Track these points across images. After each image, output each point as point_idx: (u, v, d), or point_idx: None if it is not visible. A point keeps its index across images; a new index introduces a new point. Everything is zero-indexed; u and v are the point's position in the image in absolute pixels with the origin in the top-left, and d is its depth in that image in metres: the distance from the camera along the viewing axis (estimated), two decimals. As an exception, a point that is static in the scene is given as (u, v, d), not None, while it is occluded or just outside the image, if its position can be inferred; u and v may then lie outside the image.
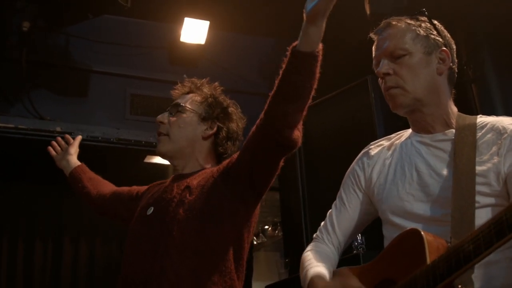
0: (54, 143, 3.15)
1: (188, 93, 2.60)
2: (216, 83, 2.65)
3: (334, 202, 2.09)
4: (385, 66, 1.88)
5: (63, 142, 3.13)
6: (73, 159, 3.05)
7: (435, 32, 1.94)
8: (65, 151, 3.08)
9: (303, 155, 4.47)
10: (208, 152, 2.50)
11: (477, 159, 1.72)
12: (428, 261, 1.45)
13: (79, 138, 3.15)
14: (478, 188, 1.68)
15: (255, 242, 6.27)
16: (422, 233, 1.52)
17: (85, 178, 2.94)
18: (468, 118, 1.87)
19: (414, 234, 1.56)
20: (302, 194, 4.36)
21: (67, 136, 3.16)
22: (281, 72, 1.91)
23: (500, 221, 1.20)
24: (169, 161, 2.54)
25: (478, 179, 1.69)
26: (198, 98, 2.53)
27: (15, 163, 5.53)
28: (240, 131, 2.54)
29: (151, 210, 2.32)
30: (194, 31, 5.63)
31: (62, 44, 5.40)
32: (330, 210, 2.09)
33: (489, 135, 1.77)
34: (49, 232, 6.13)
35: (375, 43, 1.98)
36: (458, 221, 1.61)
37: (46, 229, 6.12)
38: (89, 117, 5.30)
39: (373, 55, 1.98)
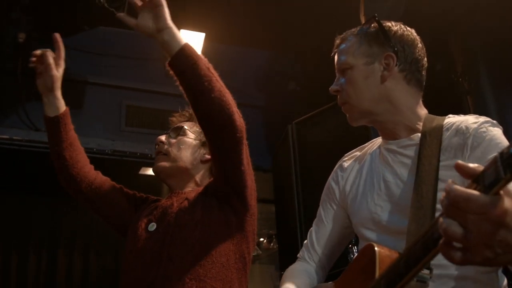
0: (36, 53, 2.66)
1: (187, 120, 2.62)
2: None
3: (315, 220, 2.07)
4: (334, 84, 1.88)
5: (49, 53, 2.66)
6: (58, 97, 2.61)
7: (381, 38, 1.85)
8: (51, 77, 2.64)
9: (299, 168, 4.47)
10: (205, 175, 2.53)
11: (441, 163, 1.64)
12: (377, 275, 1.43)
13: (62, 66, 2.67)
14: (441, 194, 1.53)
15: (251, 254, 6.26)
16: (376, 247, 1.49)
17: (66, 141, 2.48)
18: (436, 120, 1.78)
19: (369, 249, 1.52)
20: (297, 206, 4.35)
21: (56, 36, 2.67)
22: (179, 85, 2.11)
23: (426, 236, 1.13)
24: (165, 180, 2.51)
25: (441, 185, 1.60)
26: (197, 128, 2.56)
27: (10, 174, 5.51)
28: None
29: (153, 226, 2.33)
30: (189, 42, 5.61)
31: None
32: (311, 229, 2.06)
33: (455, 138, 1.69)
34: (43, 243, 6.11)
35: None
36: (413, 233, 1.54)
37: (40, 241, 6.09)
38: (84, 128, 5.29)
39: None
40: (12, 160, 5.25)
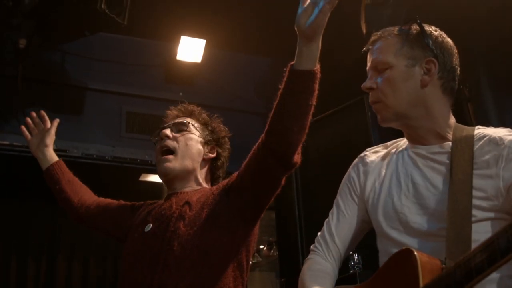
0: (28, 120, 2.92)
1: (186, 116, 2.59)
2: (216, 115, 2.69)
3: (331, 210, 2.01)
4: (368, 80, 1.85)
5: (38, 121, 2.92)
6: (49, 152, 2.87)
7: (424, 42, 1.85)
8: (41, 140, 2.88)
9: (300, 174, 4.46)
10: (206, 173, 2.52)
11: (474, 172, 1.66)
12: (421, 285, 1.40)
13: (56, 122, 2.94)
14: (475, 202, 1.61)
15: (250, 262, 6.21)
16: (416, 253, 1.46)
17: (63, 180, 2.78)
18: (466, 130, 1.79)
19: (408, 255, 1.50)
20: (298, 213, 4.34)
21: (43, 113, 2.93)
22: (280, 91, 1.90)
23: (492, 247, 1.14)
24: (170, 182, 2.48)
25: (476, 193, 1.63)
26: (199, 124, 2.55)
27: (9, 180, 5.49)
28: (227, 162, 2.59)
29: (149, 227, 2.31)
30: (190, 49, 5.64)
31: (58, 61, 5.39)
32: (327, 219, 2.00)
33: (487, 148, 1.70)
34: (43, 250, 6.09)
35: (368, 56, 1.94)
36: (453, 239, 1.55)
37: (39, 247, 6.08)
38: (84, 134, 5.29)
39: (367, 67, 1.93)
40: (12, 166, 5.24)
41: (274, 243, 6.00)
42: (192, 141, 2.48)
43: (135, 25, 4.93)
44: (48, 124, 2.92)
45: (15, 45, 4.84)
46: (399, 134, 1.96)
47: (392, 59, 1.82)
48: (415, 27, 1.88)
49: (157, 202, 2.51)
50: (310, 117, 1.92)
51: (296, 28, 1.78)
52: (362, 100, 3.97)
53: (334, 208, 2.00)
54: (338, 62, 4.62)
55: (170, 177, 2.45)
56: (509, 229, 1.09)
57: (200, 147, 2.48)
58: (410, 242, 1.66)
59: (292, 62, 1.85)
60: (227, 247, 2.21)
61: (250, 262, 2.35)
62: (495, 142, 1.70)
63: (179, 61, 5.71)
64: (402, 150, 1.90)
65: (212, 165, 2.53)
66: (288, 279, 4.49)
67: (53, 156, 2.88)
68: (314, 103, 1.89)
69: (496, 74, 4.38)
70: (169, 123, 2.55)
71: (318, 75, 1.83)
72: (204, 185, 2.48)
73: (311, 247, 2.01)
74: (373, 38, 1.92)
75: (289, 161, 2.00)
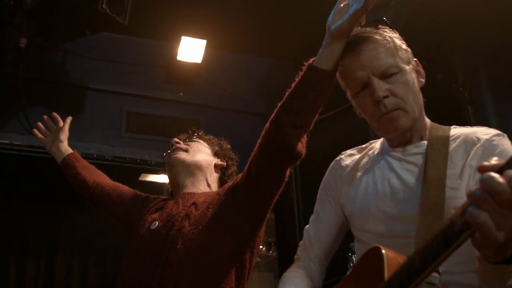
0: (39, 124, 3.06)
1: (197, 138, 2.69)
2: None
3: (311, 217, 2.02)
4: (382, 88, 1.69)
5: (50, 123, 3.05)
6: (64, 146, 2.97)
7: (404, 43, 1.83)
8: (55, 137, 2.98)
9: (299, 175, 4.46)
10: (216, 178, 2.59)
11: (448, 171, 1.64)
12: (386, 278, 1.39)
13: (69, 119, 3.06)
14: (448, 201, 1.59)
15: (253, 264, 6.26)
16: (383, 250, 1.46)
17: (79, 165, 2.88)
18: (441, 129, 1.78)
19: (375, 251, 1.49)
20: (297, 214, 4.34)
21: (55, 114, 3.06)
22: (294, 84, 1.90)
23: (447, 231, 1.13)
24: (178, 174, 2.52)
25: (449, 193, 1.60)
26: (207, 143, 2.66)
27: (9, 179, 5.50)
28: (237, 175, 2.62)
29: (155, 224, 2.34)
30: (191, 49, 5.64)
31: (59, 61, 5.40)
32: (307, 226, 2.02)
33: (462, 147, 1.69)
34: (42, 250, 6.08)
35: (352, 63, 1.77)
36: (422, 236, 1.53)
37: (39, 248, 6.07)
38: (84, 134, 5.28)
39: (353, 75, 1.77)
40: (12, 166, 5.24)
41: (273, 244, 6.01)
42: (202, 147, 2.59)
43: (136, 25, 4.94)
44: (61, 123, 3.03)
45: (16, 45, 4.85)
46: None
47: (399, 62, 1.75)
48: (389, 29, 1.84)
49: (168, 200, 2.52)
50: (315, 116, 1.93)
51: (326, 26, 1.77)
52: (362, 102, 3.97)
53: (313, 214, 2.01)
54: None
55: (178, 168, 2.50)
56: (463, 213, 1.09)
57: (210, 155, 2.59)
58: (384, 244, 1.61)
59: (312, 60, 1.85)
60: (231, 247, 2.23)
61: (253, 264, 2.36)
62: (472, 142, 1.68)
63: (179, 61, 5.71)
64: (378, 153, 1.89)
65: (222, 173, 2.61)
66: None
67: (68, 149, 2.95)
68: (322, 104, 1.90)
69: (497, 77, 4.38)
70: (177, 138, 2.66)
71: (333, 78, 1.83)
72: (213, 188, 2.53)
73: (295, 255, 2.04)
74: (359, 39, 1.78)
75: (290, 151, 2.00)
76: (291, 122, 1.91)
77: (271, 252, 6.22)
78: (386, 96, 1.70)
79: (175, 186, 2.55)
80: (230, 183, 2.40)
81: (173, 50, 5.71)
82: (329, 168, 2.04)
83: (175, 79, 5.84)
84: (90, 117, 5.44)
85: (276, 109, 1.96)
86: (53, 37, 4.86)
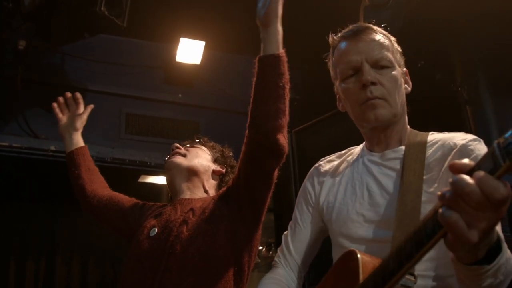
0: (60, 99, 3.01)
1: (199, 144, 2.69)
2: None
3: (290, 222, 2.03)
4: (372, 74, 1.74)
5: (72, 102, 3.02)
6: (77, 136, 2.98)
7: (399, 50, 1.87)
8: (72, 122, 2.98)
9: (298, 176, 4.46)
10: (214, 185, 2.59)
11: (425, 177, 1.65)
12: (361, 280, 1.40)
13: (90, 107, 3.06)
14: (425, 206, 1.59)
15: (251, 267, 6.24)
16: (358, 253, 1.47)
17: (83, 166, 2.85)
18: (419, 135, 1.80)
19: (351, 255, 1.50)
20: (296, 214, 4.34)
21: (78, 95, 3.02)
22: (253, 80, 1.99)
23: (419, 232, 1.15)
24: (175, 178, 2.53)
25: (425, 197, 1.61)
26: (208, 148, 2.66)
27: (9, 181, 5.50)
28: None
29: (154, 231, 2.35)
30: (189, 51, 5.65)
31: (57, 63, 5.40)
32: (285, 232, 2.03)
33: (439, 153, 1.70)
34: (42, 251, 6.09)
35: (348, 46, 1.83)
36: (399, 239, 1.49)
37: (38, 249, 6.08)
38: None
39: (346, 58, 1.81)
40: (12, 168, 5.25)
41: (273, 244, 6.01)
42: (202, 153, 2.59)
43: (135, 27, 4.94)
44: (81, 108, 3.02)
45: (14, 47, 4.86)
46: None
47: (393, 59, 1.80)
48: (387, 34, 1.89)
49: (165, 206, 2.53)
50: (286, 100, 1.97)
51: (257, 21, 1.94)
52: (361, 102, 3.97)
53: (292, 221, 2.02)
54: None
55: (174, 172, 2.51)
56: (435, 214, 1.10)
57: (210, 161, 2.59)
58: (362, 249, 1.62)
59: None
60: (228, 251, 2.24)
61: (252, 267, 2.37)
62: (449, 147, 1.70)
63: (178, 62, 5.72)
64: (357, 158, 1.90)
65: (221, 180, 2.60)
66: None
67: (79, 141, 2.96)
68: (287, 85, 1.95)
69: (495, 76, 4.39)
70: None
71: (284, 58, 1.93)
72: (210, 195, 2.53)
73: (273, 261, 2.03)
74: (359, 27, 1.86)
75: (273, 146, 2.01)
76: (265, 113, 1.95)
77: (271, 252, 6.22)
78: (374, 83, 1.74)
79: (173, 190, 2.56)
80: (224, 188, 2.41)
81: (171, 51, 5.72)
82: (308, 175, 2.05)
83: (174, 81, 5.85)
84: (89, 118, 5.39)
85: (248, 113, 2.02)
86: (51, 39, 4.86)
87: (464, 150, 1.65)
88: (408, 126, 1.86)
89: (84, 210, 2.80)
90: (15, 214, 6.04)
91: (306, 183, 2.03)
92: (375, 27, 1.87)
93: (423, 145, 1.74)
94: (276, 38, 1.91)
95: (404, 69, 1.87)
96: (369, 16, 4.04)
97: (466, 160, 1.08)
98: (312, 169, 2.04)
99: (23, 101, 5.05)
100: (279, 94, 1.94)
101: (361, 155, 1.90)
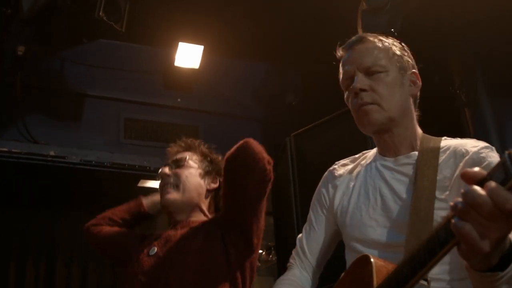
0: None
1: (185, 150, 2.66)
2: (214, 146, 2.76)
3: (304, 225, 2.06)
4: (361, 81, 1.80)
5: None
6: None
7: (406, 53, 1.90)
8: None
9: (297, 180, 4.47)
10: (210, 203, 2.59)
11: (438, 183, 1.67)
12: (375, 285, 1.42)
13: None
14: (438, 212, 1.62)
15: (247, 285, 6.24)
16: (372, 258, 1.49)
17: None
18: (432, 141, 1.82)
19: (364, 260, 1.52)
20: (296, 218, 4.34)
21: None
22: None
23: (432, 241, 1.17)
24: (174, 214, 2.52)
25: (438, 204, 1.64)
26: (198, 156, 2.62)
27: (9, 186, 5.50)
28: None
29: (154, 250, 2.38)
30: (188, 55, 5.66)
31: (56, 68, 5.41)
32: (300, 235, 2.06)
33: (452, 159, 1.71)
34: (42, 256, 6.08)
35: (345, 57, 1.90)
36: (412, 245, 1.54)
37: (38, 253, 6.07)
38: (83, 141, 5.29)
39: (343, 70, 1.89)
40: (11, 173, 5.25)
41: (273, 248, 6.01)
42: (191, 174, 2.55)
43: (133, 32, 4.95)
44: None
45: (14, 53, 4.86)
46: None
47: (387, 63, 1.82)
48: (394, 39, 1.92)
49: (165, 231, 2.53)
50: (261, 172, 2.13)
51: None
52: (359, 106, 3.97)
53: (306, 223, 2.05)
54: (336, 68, 4.63)
55: (172, 209, 2.51)
56: (447, 223, 1.11)
57: (200, 179, 2.55)
58: (375, 254, 1.66)
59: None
60: (224, 270, 2.29)
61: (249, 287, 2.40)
62: (461, 154, 1.71)
63: (177, 67, 5.73)
64: (370, 163, 1.92)
65: (215, 195, 2.61)
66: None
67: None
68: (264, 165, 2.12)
69: (493, 78, 4.40)
70: (168, 161, 2.63)
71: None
72: (209, 215, 2.55)
73: (288, 263, 2.07)
74: (355, 38, 1.92)
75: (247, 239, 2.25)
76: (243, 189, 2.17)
77: (271, 256, 6.22)
78: (364, 90, 1.79)
79: (172, 217, 2.55)
80: (218, 214, 2.47)
81: (170, 56, 5.72)
82: (322, 178, 2.07)
83: (173, 85, 5.85)
84: (89, 124, 5.45)
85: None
86: (50, 44, 4.88)
87: (476, 158, 1.67)
88: (421, 131, 1.88)
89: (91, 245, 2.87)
90: (15, 219, 6.03)
91: (321, 186, 2.05)
92: (372, 35, 1.90)
93: (436, 151, 1.76)
94: None
95: (413, 71, 1.88)
96: (367, 20, 4.05)
97: (477, 169, 1.09)
98: (326, 172, 2.07)
99: (22, 107, 5.06)
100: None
101: (374, 159, 1.92)
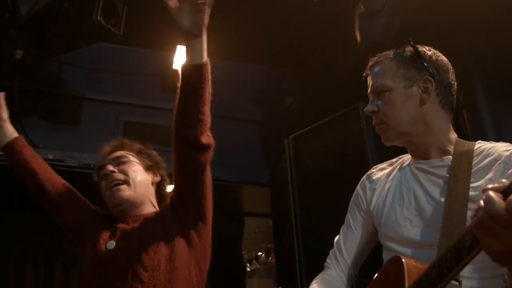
0: None
1: (119, 150, 2.64)
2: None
3: (342, 227, 2.12)
4: (370, 105, 1.94)
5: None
6: (9, 128, 2.89)
7: (419, 62, 1.93)
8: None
9: (296, 182, 4.48)
10: (154, 193, 2.60)
11: (471, 185, 1.72)
12: (406, 286, 1.47)
13: (2, 94, 2.95)
14: (470, 213, 1.63)
15: (248, 269, 6.23)
16: (403, 259, 1.55)
17: (27, 152, 2.77)
18: (466, 145, 1.87)
19: (396, 261, 1.58)
20: (294, 220, 4.35)
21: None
22: (180, 86, 2.31)
23: (459, 245, 1.21)
24: (125, 209, 2.48)
25: (471, 205, 1.67)
26: (133, 153, 2.61)
27: (7, 190, 5.50)
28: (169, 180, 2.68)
29: (112, 244, 2.35)
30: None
31: (55, 72, 5.42)
32: (337, 236, 2.12)
33: (484, 162, 1.76)
34: (41, 259, 6.09)
35: (368, 82, 2.02)
36: (444, 246, 1.58)
37: (37, 256, 6.07)
38: (81, 144, 5.30)
39: (368, 93, 2.01)
40: (9, 177, 5.24)
41: (272, 250, 6.02)
42: (137, 169, 2.54)
43: (131, 35, 4.96)
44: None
45: (12, 57, 4.87)
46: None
47: (389, 82, 1.90)
48: (409, 49, 1.97)
49: (115, 221, 2.50)
50: (208, 102, 2.29)
51: (184, 32, 2.19)
52: (357, 108, 3.99)
53: (344, 225, 2.12)
54: (334, 70, 4.64)
55: (126, 206, 2.47)
56: (472, 229, 1.14)
57: (145, 173, 2.56)
58: (409, 253, 1.74)
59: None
60: (186, 253, 2.31)
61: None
62: (493, 157, 1.76)
63: (175, 70, 5.74)
64: (405, 166, 1.99)
65: (158, 188, 2.62)
66: (285, 285, 4.51)
67: (13, 132, 2.84)
68: (210, 91, 2.29)
69: (491, 80, 4.41)
70: (106, 160, 2.58)
71: (209, 66, 2.27)
72: (157, 207, 2.56)
73: (324, 263, 2.13)
74: (370, 63, 2.01)
75: (197, 141, 2.19)
76: (191, 115, 2.22)
77: (270, 258, 6.23)
78: (374, 112, 1.93)
79: (123, 213, 2.51)
80: (168, 201, 2.47)
81: (168, 59, 5.73)
82: (360, 182, 2.14)
83: (171, 88, 5.82)
84: (87, 127, 5.46)
85: (174, 114, 2.27)
86: (48, 48, 4.88)
87: (508, 162, 1.72)
88: (455, 136, 1.92)
89: (32, 195, 2.77)
90: (14, 222, 6.03)
91: (358, 189, 2.12)
92: (383, 54, 2.00)
93: (470, 154, 1.81)
94: (204, 47, 2.28)
95: (425, 78, 1.90)
96: (364, 23, 4.06)
97: (499, 181, 1.10)
98: (364, 176, 2.13)
99: (21, 111, 5.05)
100: (205, 97, 2.24)
101: (409, 163, 1.98)
